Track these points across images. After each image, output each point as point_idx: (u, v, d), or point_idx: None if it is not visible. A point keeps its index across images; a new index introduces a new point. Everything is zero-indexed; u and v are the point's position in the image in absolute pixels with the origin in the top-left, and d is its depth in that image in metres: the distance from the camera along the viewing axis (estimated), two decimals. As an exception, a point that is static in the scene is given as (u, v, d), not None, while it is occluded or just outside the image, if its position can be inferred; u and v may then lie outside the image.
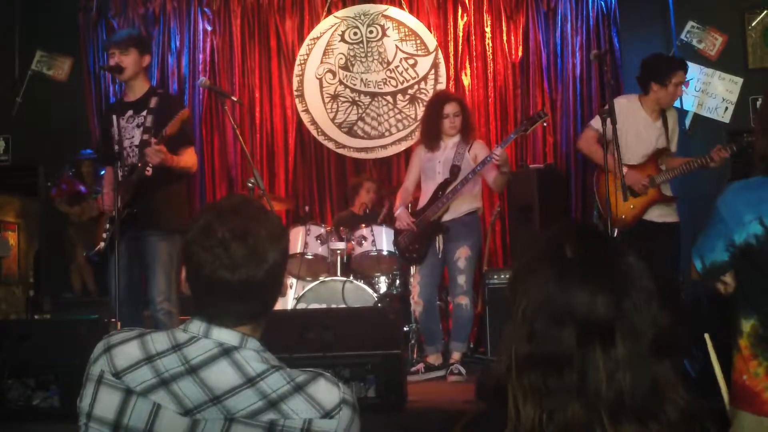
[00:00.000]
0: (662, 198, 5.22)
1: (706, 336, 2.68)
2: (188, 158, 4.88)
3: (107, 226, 4.84)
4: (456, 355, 5.61)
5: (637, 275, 1.35)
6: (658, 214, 5.25)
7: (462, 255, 5.60)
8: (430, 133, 5.83)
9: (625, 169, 5.08)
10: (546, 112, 5.91)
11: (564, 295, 1.34)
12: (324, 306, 6.06)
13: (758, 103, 6.70)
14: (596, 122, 5.31)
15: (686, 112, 7.23)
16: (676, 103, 7.12)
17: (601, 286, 1.33)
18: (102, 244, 4.80)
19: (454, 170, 5.66)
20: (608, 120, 4.88)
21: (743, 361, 2.44)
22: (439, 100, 5.97)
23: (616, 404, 1.29)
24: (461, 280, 5.60)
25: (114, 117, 4.84)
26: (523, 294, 1.39)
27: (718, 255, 2.50)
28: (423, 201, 5.82)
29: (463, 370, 5.48)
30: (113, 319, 4.59)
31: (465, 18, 8.01)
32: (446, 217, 5.69)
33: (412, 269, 6.25)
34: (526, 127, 5.58)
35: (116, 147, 4.75)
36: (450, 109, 5.76)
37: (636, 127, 5.25)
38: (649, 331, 1.32)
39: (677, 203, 5.37)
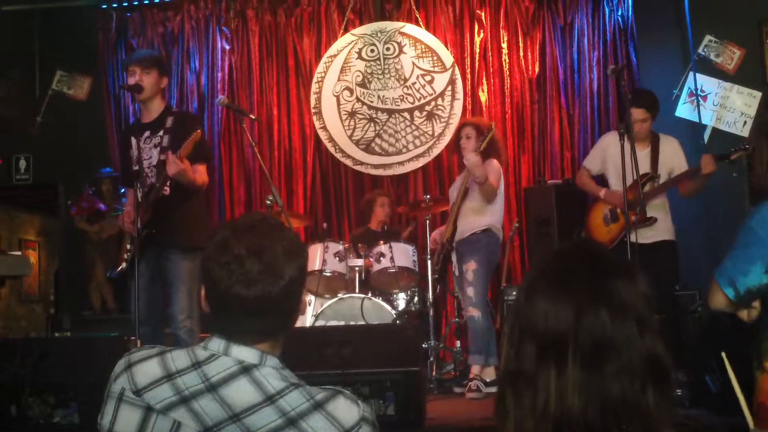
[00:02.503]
0: (641, 220, 5.20)
1: (723, 355, 2.60)
2: (198, 176, 4.87)
3: (128, 246, 4.87)
4: (476, 369, 5.58)
5: (618, 297, 1.32)
6: (644, 236, 5.26)
7: (468, 268, 5.73)
8: (458, 159, 6.16)
9: (603, 192, 5.59)
10: (492, 128, 5.97)
11: (528, 309, 1.35)
12: (342, 323, 6.06)
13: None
14: (586, 161, 5.88)
15: (705, 126, 7.20)
16: (694, 117, 7.14)
17: (560, 301, 1.33)
18: (124, 264, 4.84)
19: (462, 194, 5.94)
20: (625, 135, 4.94)
21: None
22: (460, 126, 6.33)
23: (561, 423, 1.28)
24: (470, 292, 5.68)
25: (132, 138, 4.88)
26: (511, 311, 1.43)
27: (754, 279, 2.34)
28: None
29: (482, 387, 5.43)
30: (132, 338, 4.60)
31: (482, 34, 8.02)
32: (456, 238, 5.92)
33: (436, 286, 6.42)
34: (480, 142, 5.74)
35: (136, 167, 4.78)
36: (464, 131, 6.04)
37: (617, 159, 5.25)
38: (626, 354, 1.29)
39: (672, 221, 5.50)
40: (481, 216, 5.82)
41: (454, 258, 5.94)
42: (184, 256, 4.77)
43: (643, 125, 5.39)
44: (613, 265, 1.38)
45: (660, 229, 5.40)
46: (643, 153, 5.44)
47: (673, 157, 5.50)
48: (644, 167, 5.39)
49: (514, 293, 6.45)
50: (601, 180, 5.80)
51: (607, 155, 5.61)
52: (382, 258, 6.33)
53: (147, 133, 4.88)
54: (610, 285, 1.34)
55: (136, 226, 4.63)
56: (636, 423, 1.28)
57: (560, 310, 1.32)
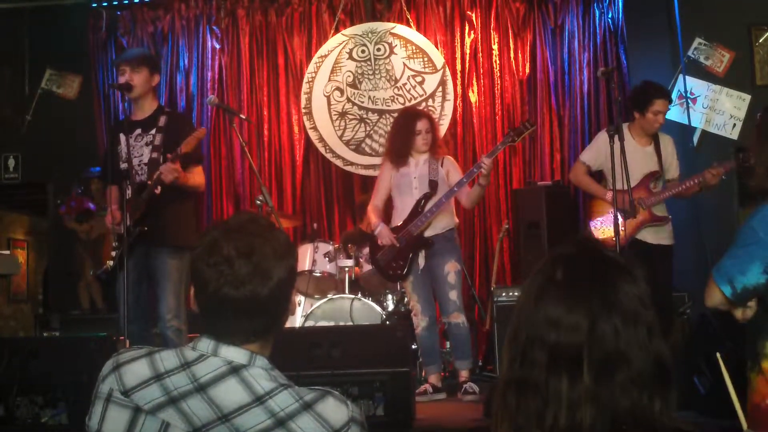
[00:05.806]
0: (653, 218, 5.30)
1: (718, 355, 2.59)
2: (197, 177, 4.89)
3: (115, 243, 4.85)
4: (465, 373, 5.57)
5: (629, 303, 1.31)
6: (653, 236, 5.35)
7: (452, 269, 5.55)
8: (400, 150, 5.72)
9: (609, 194, 5.21)
10: (533, 122, 5.82)
11: (538, 316, 1.32)
12: (332, 324, 6.05)
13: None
14: (584, 156, 5.68)
15: (694, 128, 7.23)
16: (684, 120, 7.16)
17: (574, 311, 1.30)
18: (110, 262, 4.81)
19: (433, 185, 5.59)
20: (616, 137, 4.97)
21: (766, 384, 2.37)
22: (409, 116, 5.87)
23: None
24: (453, 295, 5.54)
25: (121, 135, 4.85)
26: (515, 314, 1.39)
27: (752, 278, 2.35)
28: (398, 217, 5.75)
29: (476, 388, 5.43)
30: (122, 337, 4.58)
31: (472, 35, 8.03)
32: (428, 233, 5.61)
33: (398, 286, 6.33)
34: (513, 137, 5.50)
35: (124, 165, 4.76)
36: (422, 125, 5.67)
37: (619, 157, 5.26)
38: (636, 362, 1.28)
39: (672, 225, 5.48)
40: (451, 214, 5.75)
41: (422, 255, 5.64)
42: (172, 254, 4.76)
43: (662, 118, 5.40)
44: (622, 270, 1.35)
45: (667, 232, 5.42)
46: (649, 149, 5.46)
47: (672, 156, 5.54)
48: (650, 164, 5.41)
49: (503, 294, 6.44)
50: (597, 176, 5.76)
51: (609, 152, 5.38)
52: (371, 259, 6.31)
53: (138, 131, 4.86)
54: (621, 291, 1.32)
55: (124, 224, 4.61)
56: (640, 430, 1.27)
57: (574, 318, 1.29)
